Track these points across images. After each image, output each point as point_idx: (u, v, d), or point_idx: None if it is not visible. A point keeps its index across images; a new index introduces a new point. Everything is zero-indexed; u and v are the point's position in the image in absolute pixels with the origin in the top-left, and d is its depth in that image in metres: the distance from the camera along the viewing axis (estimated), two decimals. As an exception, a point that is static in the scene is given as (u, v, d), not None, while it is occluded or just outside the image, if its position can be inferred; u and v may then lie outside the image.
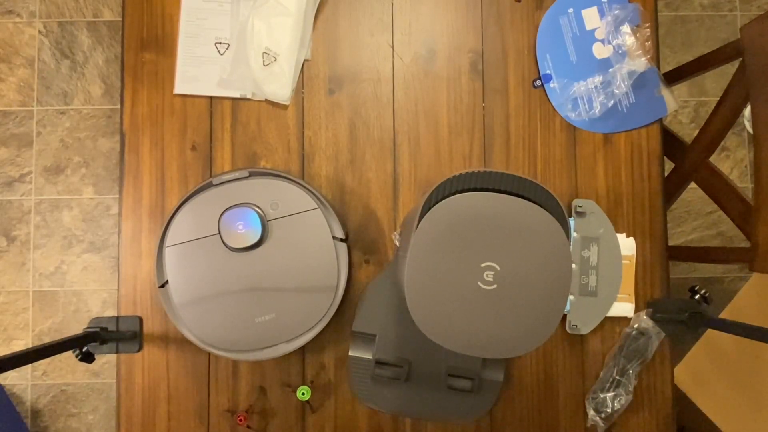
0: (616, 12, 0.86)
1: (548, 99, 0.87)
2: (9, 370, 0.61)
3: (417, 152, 0.87)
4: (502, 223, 0.52)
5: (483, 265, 0.52)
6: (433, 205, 0.53)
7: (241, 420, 0.80)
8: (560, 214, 0.53)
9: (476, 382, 0.78)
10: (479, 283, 0.52)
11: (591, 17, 0.88)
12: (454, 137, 0.87)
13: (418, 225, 0.53)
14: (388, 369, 0.78)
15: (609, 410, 0.82)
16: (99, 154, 1.60)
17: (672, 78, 1.10)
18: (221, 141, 0.86)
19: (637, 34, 0.86)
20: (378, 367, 0.78)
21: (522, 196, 0.53)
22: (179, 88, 0.86)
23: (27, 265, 1.58)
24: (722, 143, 1.19)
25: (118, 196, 1.16)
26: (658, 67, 0.88)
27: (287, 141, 0.87)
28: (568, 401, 0.84)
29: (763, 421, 1.08)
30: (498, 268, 0.52)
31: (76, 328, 1.57)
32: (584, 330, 0.84)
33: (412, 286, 0.53)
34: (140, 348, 0.83)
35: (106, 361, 1.56)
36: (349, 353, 0.79)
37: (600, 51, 0.88)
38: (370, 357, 0.79)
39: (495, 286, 0.52)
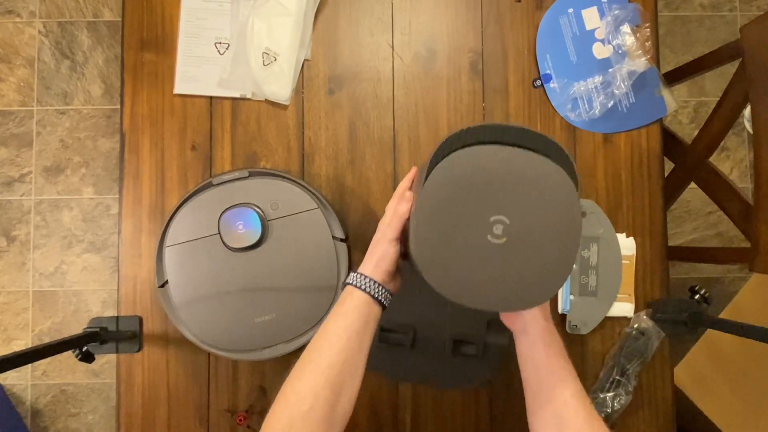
0: (616, 12, 0.86)
1: (548, 99, 0.87)
2: (9, 370, 0.61)
3: (417, 152, 0.87)
4: (510, 176, 0.51)
5: (492, 219, 0.51)
6: (441, 160, 0.52)
7: (241, 420, 0.80)
8: (569, 166, 0.52)
9: (481, 346, 0.78)
10: (489, 237, 0.51)
11: (591, 17, 0.88)
12: (454, 137, 0.87)
13: (425, 180, 0.52)
14: (393, 335, 0.78)
15: (609, 410, 0.82)
16: (99, 154, 1.60)
17: (672, 78, 1.10)
18: (221, 141, 0.86)
19: (637, 34, 0.86)
20: (383, 333, 0.78)
21: (529, 149, 0.52)
22: (179, 88, 0.86)
23: (27, 265, 1.58)
24: (722, 143, 1.19)
25: (118, 196, 1.16)
26: (658, 67, 0.88)
27: (287, 141, 0.87)
28: (568, 401, 0.84)
29: (763, 421, 1.08)
30: (507, 221, 0.51)
31: (76, 328, 1.56)
32: (584, 330, 0.84)
33: (421, 242, 0.52)
34: (140, 348, 0.83)
35: (106, 361, 1.56)
36: None
37: (600, 51, 0.88)
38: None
39: (504, 239, 0.51)
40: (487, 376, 0.82)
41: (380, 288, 0.58)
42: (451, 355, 0.79)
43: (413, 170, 0.63)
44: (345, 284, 0.59)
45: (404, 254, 0.61)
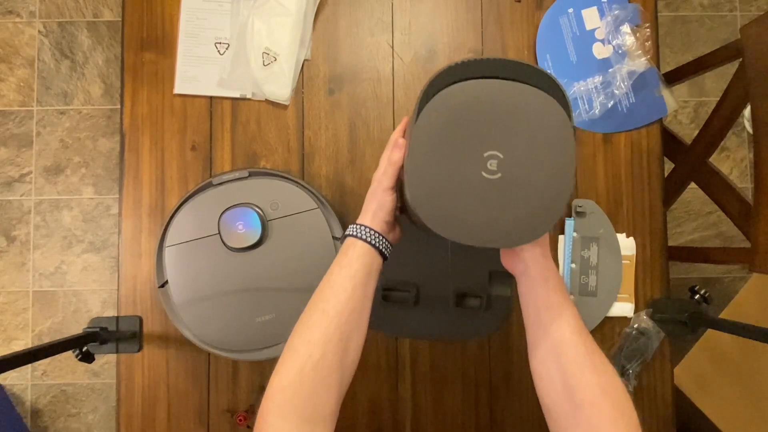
0: (616, 12, 0.86)
1: (548, 99, 0.87)
2: (9, 370, 0.61)
3: (417, 152, 0.87)
4: (502, 110, 0.50)
5: (486, 154, 0.51)
6: (431, 97, 0.51)
7: (241, 420, 0.80)
8: (560, 96, 0.51)
9: (484, 299, 0.79)
10: (483, 172, 0.51)
11: (591, 17, 0.88)
12: (454, 137, 0.87)
13: (417, 118, 0.51)
14: (396, 293, 0.79)
15: (609, 410, 0.82)
16: (99, 154, 1.60)
17: (672, 78, 1.10)
18: (221, 141, 0.86)
19: (637, 34, 0.86)
20: (386, 292, 0.79)
21: (521, 82, 0.51)
22: (179, 88, 0.86)
23: (27, 265, 1.58)
24: (722, 143, 1.19)
25: (118, 196, 1.16)
26: (658, 67, 0.88)
27: (287, 141, 0.87)
28: (568, 401, 0.84)
29: (763, 421, 1.08)
30: (501, 156, 0.50)
31: (76, 328, 1.56)
32: (584, 330, 0.84)
33: (415, 181, 0.52)
34: (140, 348, 0.83)
35: (106, 361, 1.56)
36: None
37: (600, 51, 0.88)
38: (378, 284, 0.80)
39: (499, 174, 0.51)
40: (491, 328, 0.82)
41: (381, 237, 0.57)
42: (454, 308, 0.80)
43: (404, 120, 0.62)
44: (345, 236, 0.59)
45: (401, 208, 0.60)
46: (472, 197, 0.51)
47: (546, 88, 0.51)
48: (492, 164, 0.51)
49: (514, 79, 0.51)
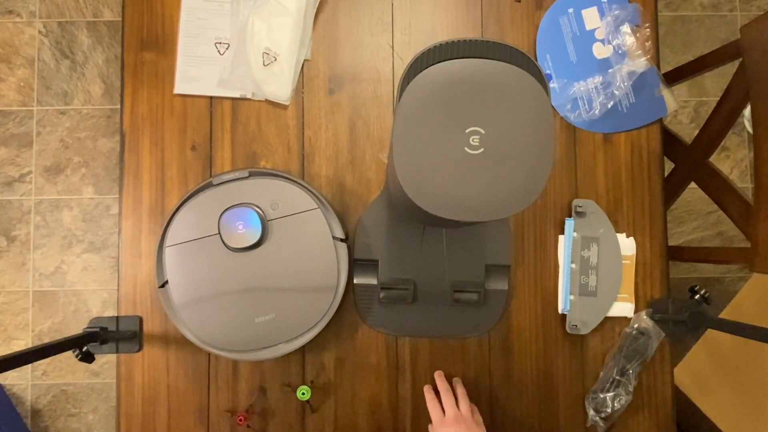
0: (616, 12, 0.86)
1: (548, 99, 0.87)
2: (9, 370, 0.61)
3: (417, 152, 0.87)
4: (481, 87, 0.52)
5: (468, 130, 0.53)
6: (413, 78, 0.53)
7: (241, 420, 0.80)
8: (537, 72, 0.54)
9: (482, 294, 0.79)
10: (466, 148, 0.53)
11: (591, 17, 0.88)
12: (454, 137, 0.87)
13: (399, 99, 0.53)
14: (393, 292, 0.79)
15: (609, 410, 0.82)
16: (99, 154, 1.60)
17: (672, 78, 1.10)
18: (221, 141, 0.86)
19: (637, 34, 0.86)
20: (383, 291, 0.79)
21: (499, 61, 0.53)
22: (179, 88, 0.86)
23: (27, 265, 1.58)
24: (722, 143, 1.19)
25: (118, 196, 1.16)
26: (658, 67, 0.88)
27: (287, 141, 0.87)
28: (568, 401, 0.84)
29: (763, 421, 1.08)
30: (483, 131, 0.53)
31: (76, 328, 1.57)
32: (584, 330, 0.84)
33: (401, 161, 0.53)
34: (140, 348, 0.83)
35: (106, 361, 1.56)
36: (354, 281, 0.80)
37: (600, 51, 0.88)
38: (375, 282, 0.79)
39: (482, 149, 0.53)
40: (490, 322, 0.82)
41: None
42: (453, 304, 0.80)
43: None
44: None
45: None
46: (456, 172, 0.53)
47: (522, 66, 0.53)
48: (474, 140, 0.53)
49: (492, 58, 0.53)
